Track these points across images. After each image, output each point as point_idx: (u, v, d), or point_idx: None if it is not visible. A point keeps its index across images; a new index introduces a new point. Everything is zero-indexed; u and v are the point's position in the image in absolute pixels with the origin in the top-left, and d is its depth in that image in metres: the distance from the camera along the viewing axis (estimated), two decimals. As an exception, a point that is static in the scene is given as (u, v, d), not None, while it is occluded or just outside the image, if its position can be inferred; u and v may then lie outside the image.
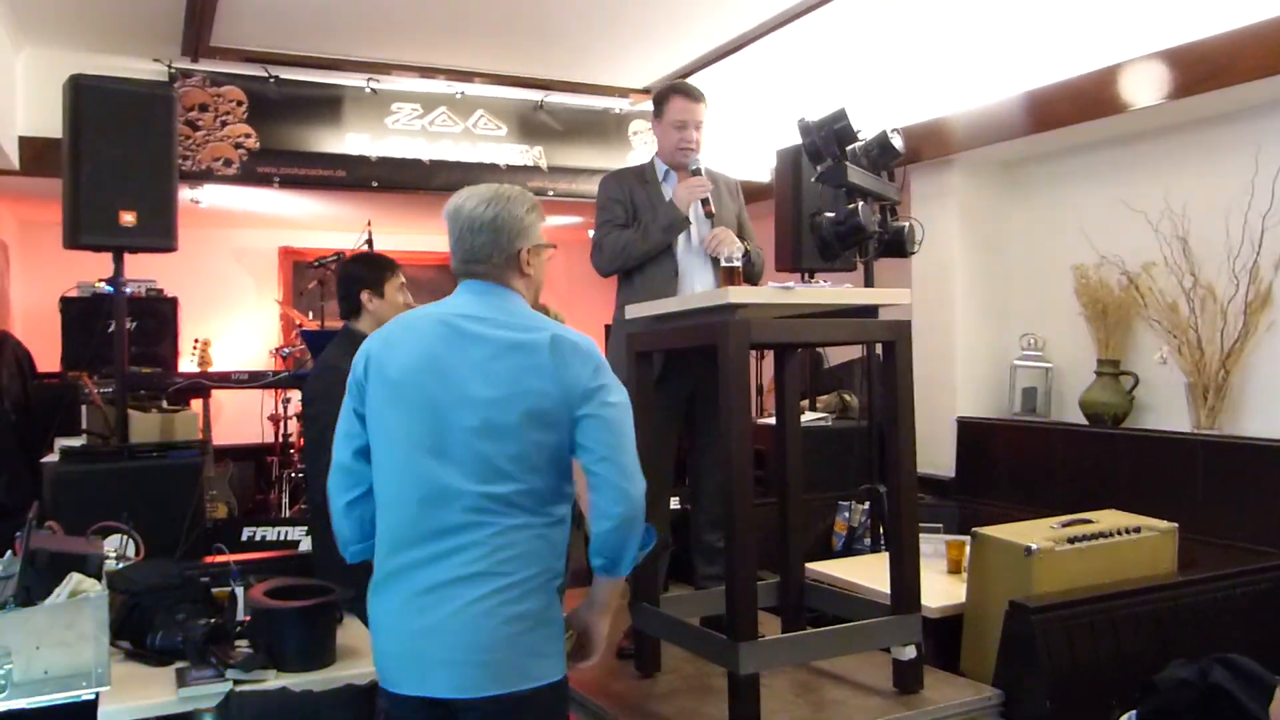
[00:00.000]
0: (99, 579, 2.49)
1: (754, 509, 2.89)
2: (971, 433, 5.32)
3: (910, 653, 3.16)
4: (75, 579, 2.37)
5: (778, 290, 2.97)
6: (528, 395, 2.08)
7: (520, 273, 2.27)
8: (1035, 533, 3.54)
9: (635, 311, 3.36)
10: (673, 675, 3.42)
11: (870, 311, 3.35)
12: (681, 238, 3.74)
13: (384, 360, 2.18)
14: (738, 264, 3.08)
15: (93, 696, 2.29)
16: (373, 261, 3.67)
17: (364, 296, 3.51)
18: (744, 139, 6.73)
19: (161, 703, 2.49)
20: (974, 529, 3.67)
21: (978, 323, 5.46)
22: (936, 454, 5.48)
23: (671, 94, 3.86)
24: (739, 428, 2.89)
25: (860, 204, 4.38)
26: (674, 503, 4.32)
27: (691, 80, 6.63)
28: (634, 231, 3.75)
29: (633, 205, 3.82)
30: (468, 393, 2.08)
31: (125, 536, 3.38)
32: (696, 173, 3.71)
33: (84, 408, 5.42)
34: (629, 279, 3.82)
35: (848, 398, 5.85)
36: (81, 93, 4.43)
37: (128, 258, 4.67)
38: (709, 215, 3.67)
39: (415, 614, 2.05)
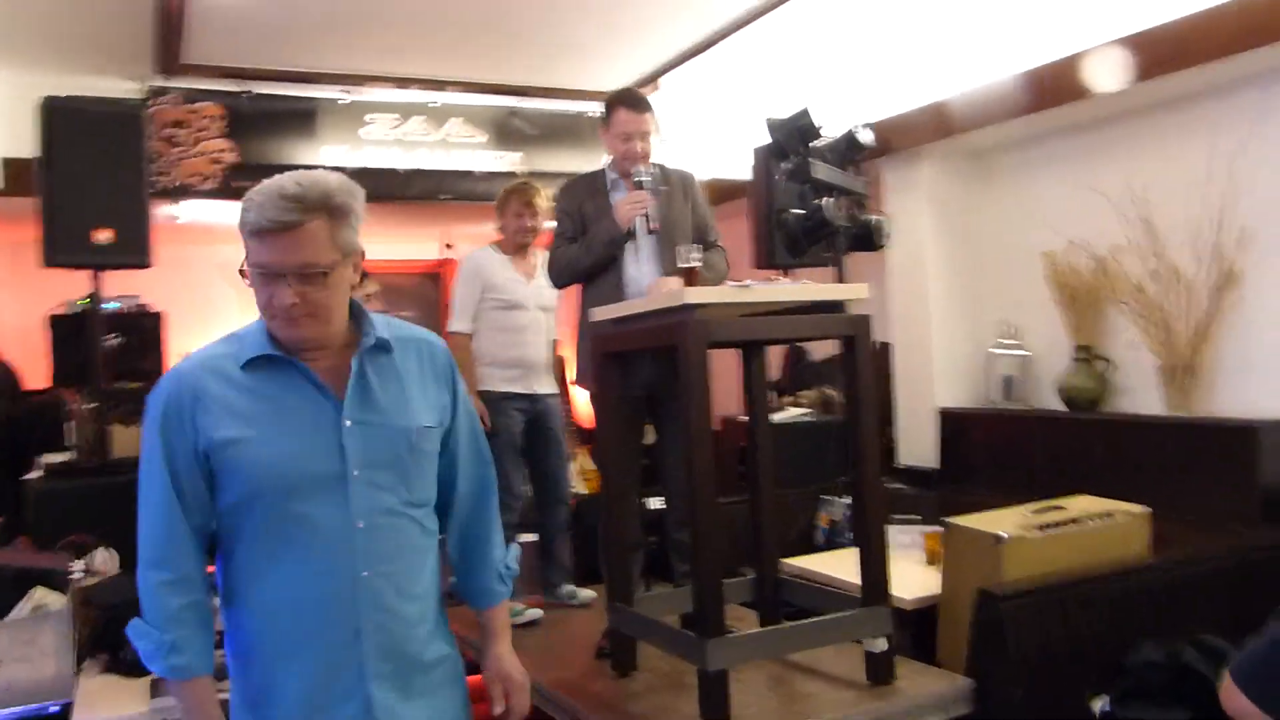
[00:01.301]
0: (64, 593, 2.52)
1: (717, 507, 2.92)
2: (953, 423, 5.34)
3: (881, 645, 3.18)
4: (38, 594, 2.39)
5: (735, 289, 2.99)
6: None
7: None
8: (1007, 521, 3.56)
9: (599, 314, 3.40)
10: (649, 674, 3.44)
11: (836, 306, 3.38)
12: (629, 248, 3.75)
13: None
14: (696, 264, 3.10)
15: (57, 709, 2.32)
16: None
17: None
18: (723, 136, 6.76)
19: (133, 714, 2.53)
20: (944, 519, 3.69)
21: (954, 313, 5.48)
22: (918, 445, 5.50)
23: (616, 105, 3.84)
24: (700, 426, 2.91)
25: (826, 199, 4.41)
26: (656, 502, 4.33)
27: (665, 79, 6.70)
28: (579, 246, 3.78)
29: (582, 216, 3.84)
30: None
31: (106, 549, 3.41)
32: (639, 185, 3.69)
33: (67, 424, 5.46)
34: (584, 289, 3.85)
35: (830, 392, 5.88)
36: (54, 114, 4.46)
37: (115, 274, 4.71)
38: (651, 232, 3.68)
39: None
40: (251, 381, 1.97)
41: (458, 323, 4.46)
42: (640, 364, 3.68)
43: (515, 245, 4.55)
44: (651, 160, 3.80)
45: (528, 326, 4.46)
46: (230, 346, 2.03)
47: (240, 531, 1.96)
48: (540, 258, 4.56)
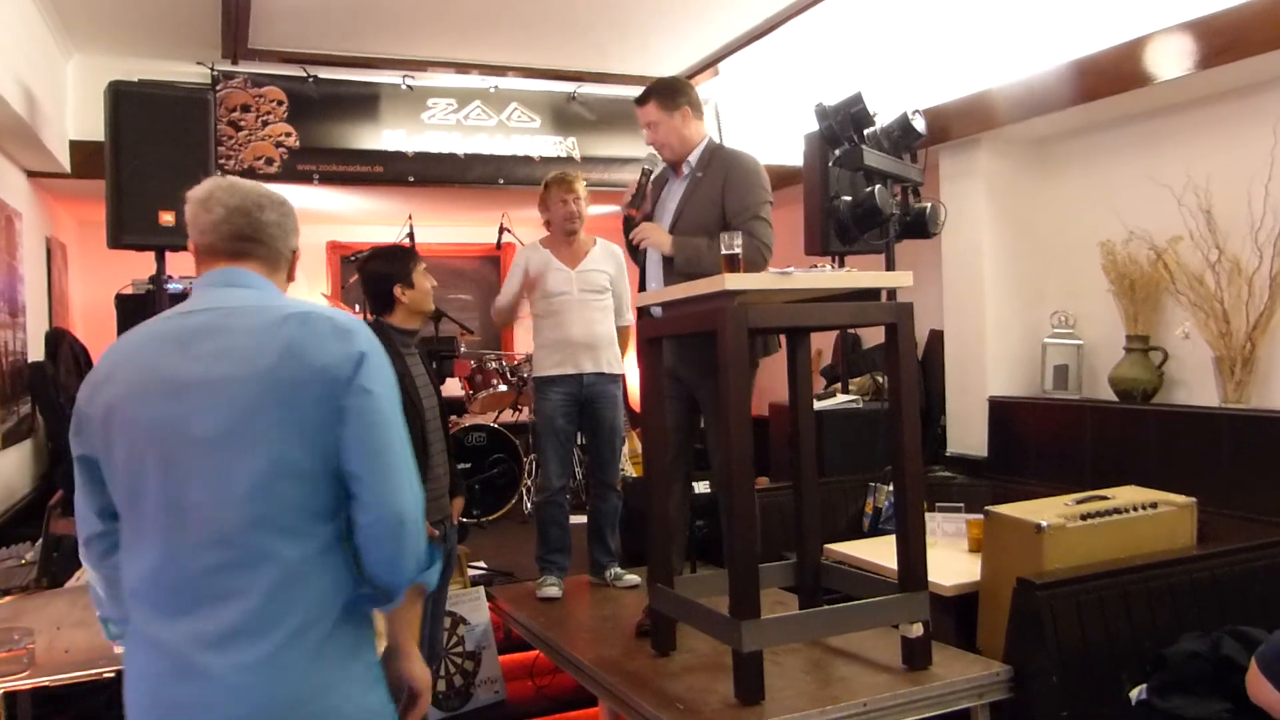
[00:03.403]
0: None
1: (752, 490, 2.96)
2: (1002, 412, 5.31)
3: (917, 630, 3.21)
4: (94, 564, 2.49)
5: (775, 276, 3.02)
6: None
7: None
8: (1049, 510, 3.56)
9: (641, 300, 3.47)
10: (688, 654, 3.50)
11: (875, 294, 3.39)
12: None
13: None
14: (737, 251, 3.13)
15: (113, 675, 2.41)
16: (395, 255, 3.73)
17: (397, 290, 3.57)
18: (776, 123, 6.76)
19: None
20: (986, 507, 3.69)
21: (1008, 302, 5.44)
22: (969, 434, 5.48)
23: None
24: (739, 411, 2.95)
25: (877, 187, 4.42)
26: (702, 486, 4.38)
27: (724, 65, 6.70)
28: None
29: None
30: None
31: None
32: (643, 172, 3.99)
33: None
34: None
35: (880, 379, 5.87)
36: (121, 98, 4.58)
37: (182, 255, 4.84)
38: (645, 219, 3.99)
39: None
40: None
41: (498, 300, 4.84)
42: (668, 348, 3.71)
43: (564, 233, 4.62)
44: (652, 149, 3.95)
45: (567, 309, 4.56)
46: None
47: None
48: (595, 244, 4.66)
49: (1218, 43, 3.94)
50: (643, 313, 3.71)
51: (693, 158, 3.84)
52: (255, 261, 1.95)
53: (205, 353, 1.78)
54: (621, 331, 4.77)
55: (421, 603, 2.14)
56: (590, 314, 4.56)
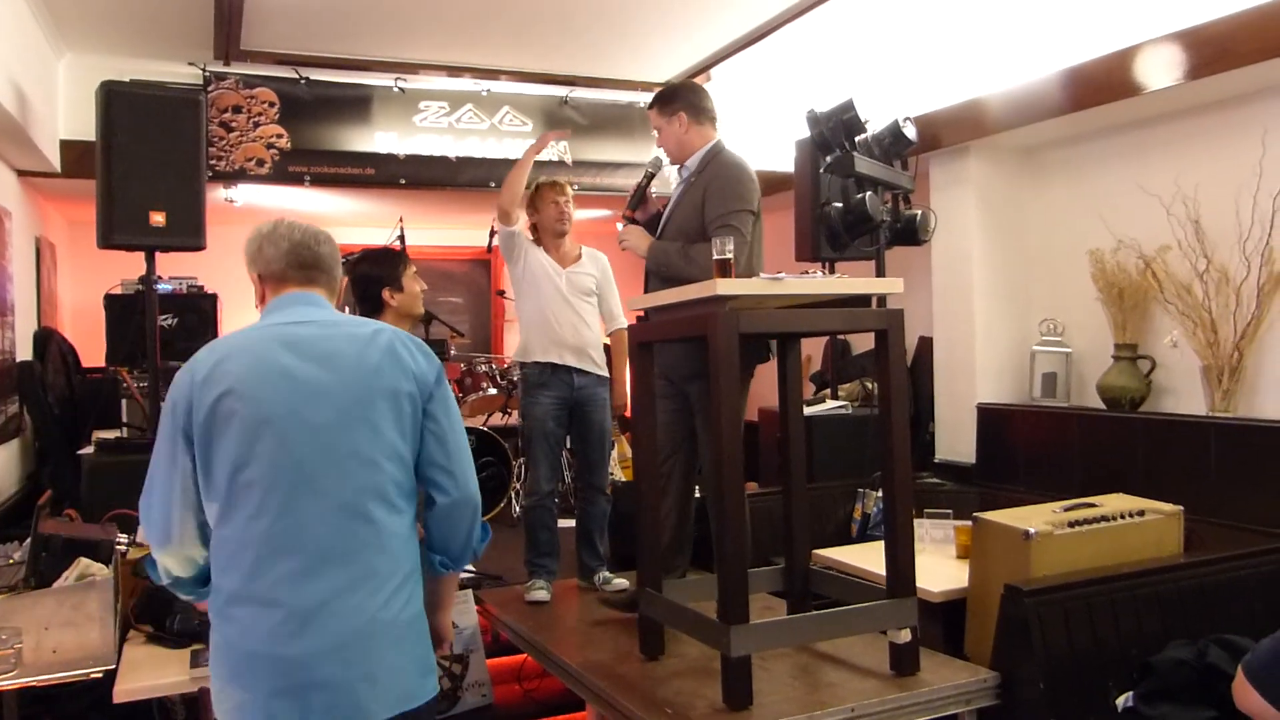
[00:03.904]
0: (109, 564, 2.61)
1: (742, 495, 2.96)
2: (991, 419, 5.33)
3: (905, 636, 3.21)
4: (83, 563, 2.49)
5: (767, 281, 3.02)
6: None
7: None
8: (1036, 517, 3.57)
9: (636, 303, 3.47)
10: (676, 659, 3.49)
11: (866, 300, 3.40)
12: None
13: None
14: (729, 256, 3.13)
15: (100, 675, 2.41)
16: (385, 258, 3.70)
17: (386, 294, 3.55)
18: (768, 128, 6.78)
19: (173, 681, 2.63)
20: (974, 514, 3.70)
21: (997, 309, 5.46)
22: (957, 441, 5.51)
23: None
24: (729, 416, 2.95)
25: (868, 193, 4.42)
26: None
27: (717, 70, 6.71)
28: None
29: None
30: None
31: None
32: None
33: (124, 401, 5.61)
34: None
35: (870, 385, 5.89)
36: (113, 98, 4.57)
37: (174, 256, 4.85)
38: (634, 221, 4.06)
39: None
40: None
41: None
42: (660, 350, 3.74)
43: (554, 234, 4.60)
44: (656, 153, 4.13)
45: (556, 304, 4.53)
46: None
47: None
48: (581, 250, 4.66)
49: (1206, 53, 3.97)
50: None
51: (691, 162, 3.89)
52: (320, 287, 2.31)
53: (315, 354, 2.12)
54: (616, 335, 4.77)
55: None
56: (577, 316, 4.55)
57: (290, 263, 2.28)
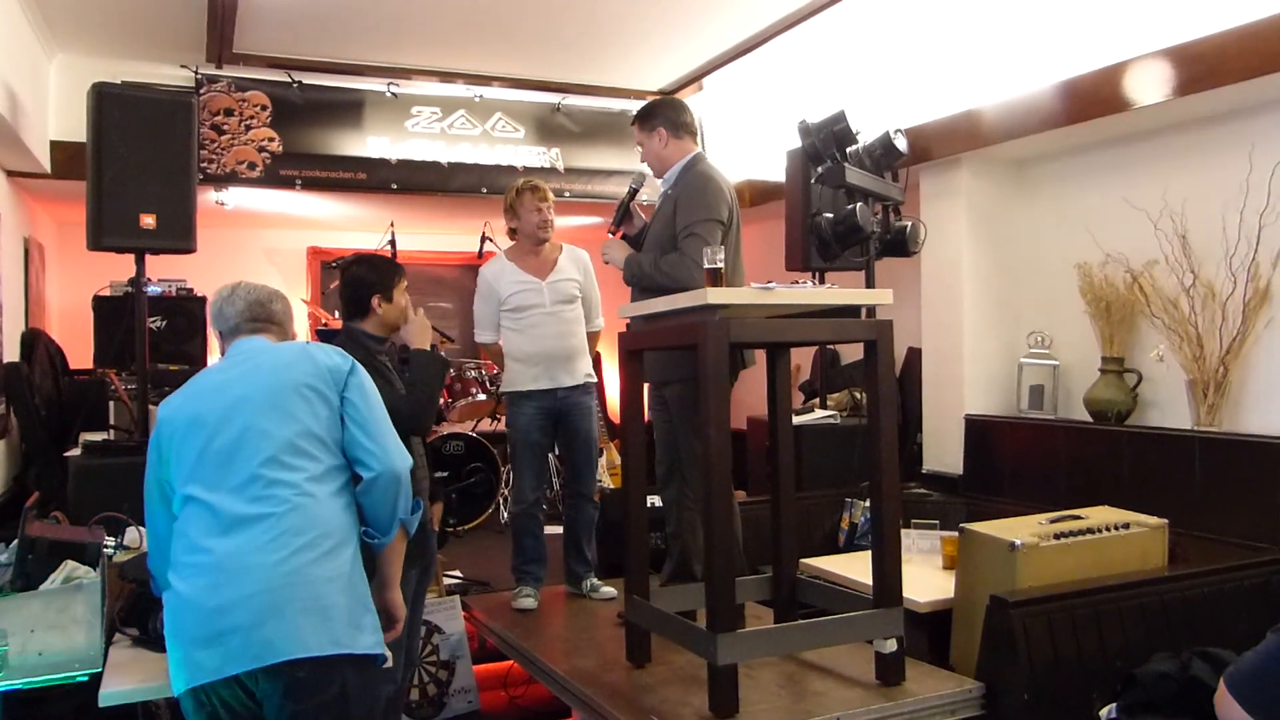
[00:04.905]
0: (95, 567, 2.61)
1: (730, 504, 2.97)
2: (978, 430, 5.35)
3: (891, 646, 3.23)
4: (70, 566, 2.49)
5: (757, 290, 3.04)
6: None
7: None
8: (1023, 529, 3.59)
9: (626, 312, 3.48)
10: (663, 667, 3.50)
11: (856, 311, 3.42)
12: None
13: None
14: (719, 265, 3.14)
15: (85, 678, 2.41)
16: (383, 266, 3.68)
17: (374, 301, 3.54)
18: (759, 139, 6.80)
19: (159, 684, 2.62)
20: (961, 525, 3.72)
21: (986, 321, 5.48)
22: (945, 452, 5.52)
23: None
24: (718, 425, 2.96)
25: (859, 204, 4.45)
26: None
27: (709, 80, 6.74)
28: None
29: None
30: None
31: (138, 527, 3.51)
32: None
33: (111, 404, 5.60)
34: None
35: (859, 395, 5.90)
36: (104, 99, 4.56)
37: (164, 258, 4.84)
38: (624, 236, 4.19)
39: None
40: None
41: (481, 335, 4.72)
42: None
43: (534, 241, 4.58)
44: (641, 168, 4.24)
45: (541, 323, 4.52)
46: None
47: None
48: (561, 250, 4.65)
49: (1196, 70, 4.00)
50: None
51: (669, 175, 4.00)
52: (271, 336, 2.68)
53: (241, 365, 2.54)
54: (591, 336, 4.76)
55: (405, 543, 2.67)
56: (562, 326, 4.54)
57: (245, 317, 2.65)
